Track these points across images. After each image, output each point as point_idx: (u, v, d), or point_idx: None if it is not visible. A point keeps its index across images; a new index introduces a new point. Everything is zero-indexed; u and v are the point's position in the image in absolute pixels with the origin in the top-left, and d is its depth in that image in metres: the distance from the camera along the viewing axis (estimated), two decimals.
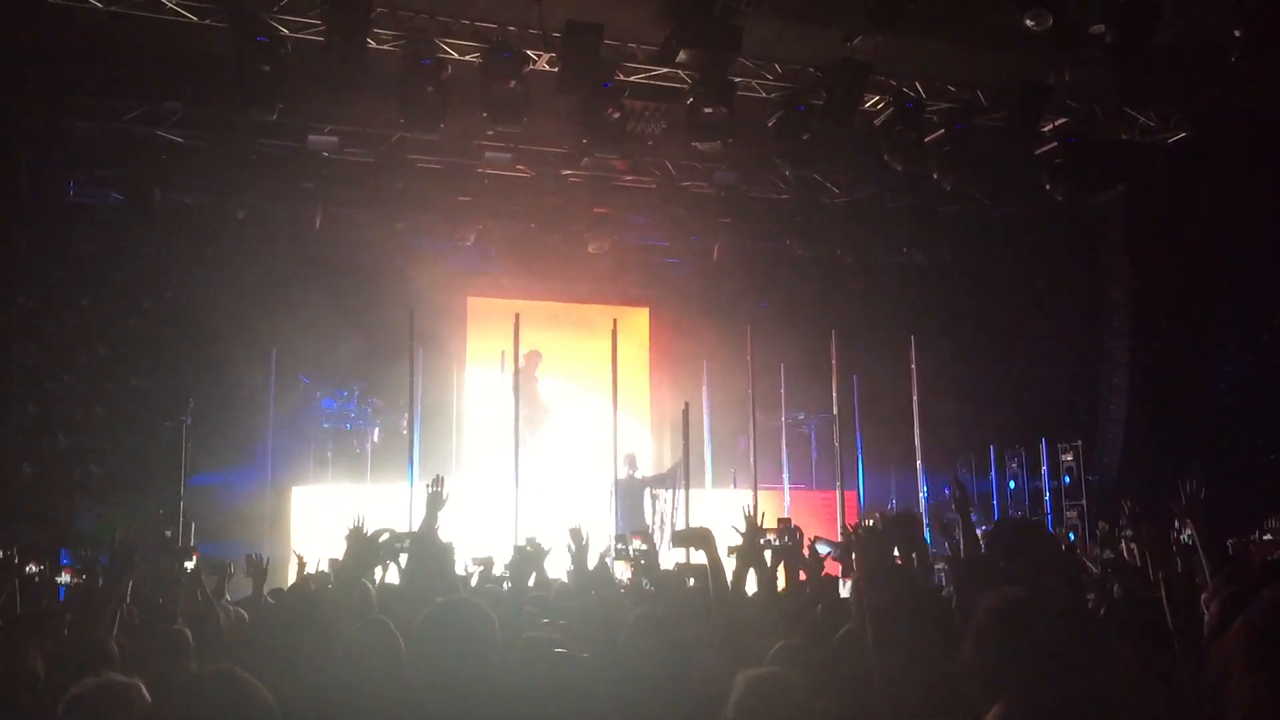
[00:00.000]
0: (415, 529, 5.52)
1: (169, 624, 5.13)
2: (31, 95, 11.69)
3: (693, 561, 7.29)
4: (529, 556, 6.45)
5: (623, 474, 13.21)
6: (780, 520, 5.64)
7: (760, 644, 4.03)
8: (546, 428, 14.75)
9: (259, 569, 7.16)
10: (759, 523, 5.14)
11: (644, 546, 8.24)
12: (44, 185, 12.94)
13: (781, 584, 5.65)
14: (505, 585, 7.67)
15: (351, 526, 4.90)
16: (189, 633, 4.79)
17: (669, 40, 10.97)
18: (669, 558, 9.06)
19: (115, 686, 2.98)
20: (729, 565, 4.99)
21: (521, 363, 13.72)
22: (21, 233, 12.95)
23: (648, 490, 13.35)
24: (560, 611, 5.59)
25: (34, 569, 7.36)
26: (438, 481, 5.44)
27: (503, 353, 13.71)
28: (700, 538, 4.90)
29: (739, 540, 5.09)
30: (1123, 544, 6.75)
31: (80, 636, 4.50)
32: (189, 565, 7.48)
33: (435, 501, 5.34)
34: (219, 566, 7.72)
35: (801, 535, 5.95)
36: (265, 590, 7.29)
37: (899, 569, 4.48)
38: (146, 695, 2.94)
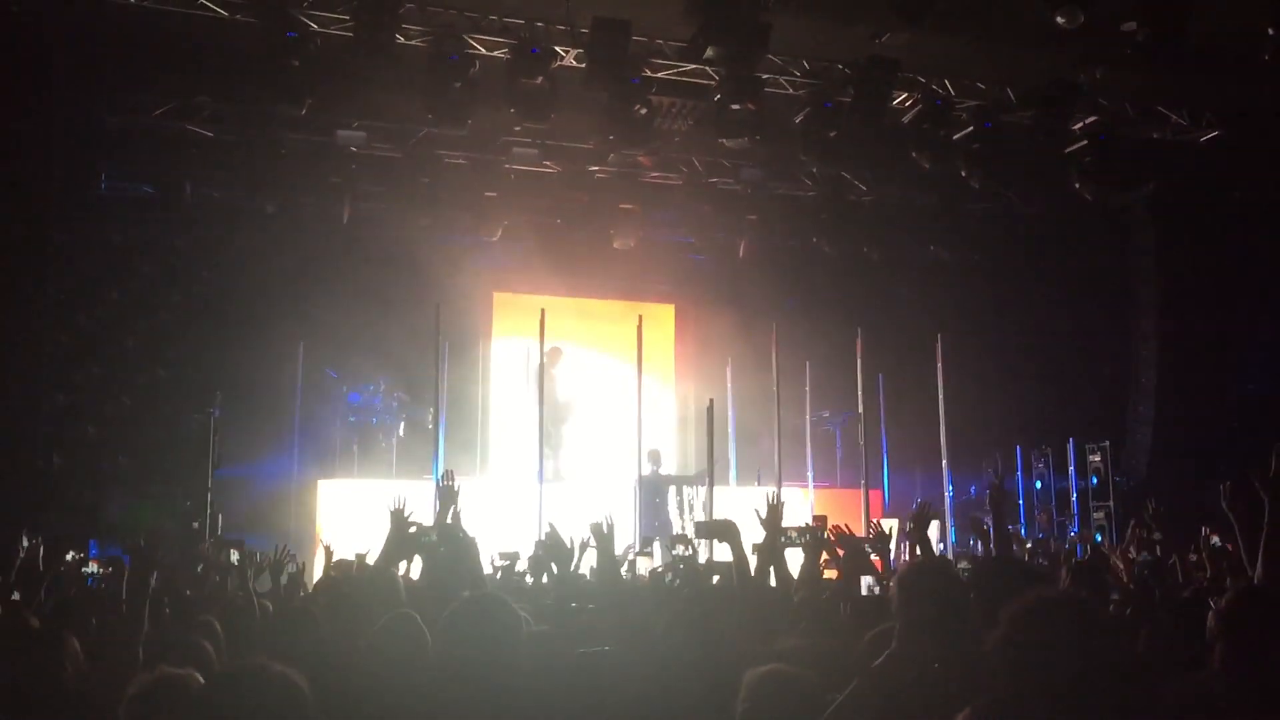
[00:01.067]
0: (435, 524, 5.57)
1: (197, 615, 5.17)
2: (65, 90, 11.80)
3: (716, 555, 7.26)
4: (550, 551, 6.48)
5: (646, 470, 13.22)
6: (816, 518, 5.63)
7: (776, 639, 4.03)
8: (569, 423, 14.73)
9: (278, 562, 7.26)
10: (779, 511, 5.13)
11: (686, 552, 8.24)
12: (76, 178, 13.07)
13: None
14: (528, 580, 7.72)
15: (393, 508, 4.96)
16: (217, 624, 4.82)
17: (697, 37, 10.95)
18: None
19: (173, 679, 3.00)
20: (752, 561, 4.99)
21: (543, 359, 13.78)
22: (53, 225, 13.07)
23: (673, 487, 13.36)
24: (584, 607, 5.60)
25: (72, 556, 7.45)
26: (449, 476, 5.51)
27: (527, 350, 13.76)
28: (724, 530, 4.90)
29: (761, 536, 5.09)
30: (1158, 548, 6.71)
31: (117, 629, 4.53)
32: (234, 557, 7.57)
33: (448, 496, 5.41)
34: (249, 557, 7.80)
35: (824, 532, 5.93)
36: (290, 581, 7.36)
37: (936, 559, 4.47)
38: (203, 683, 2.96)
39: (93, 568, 7.93)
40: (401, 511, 4.97)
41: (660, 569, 8.41)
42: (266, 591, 7.58)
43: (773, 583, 5.05)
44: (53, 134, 11.54)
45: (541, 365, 13.21)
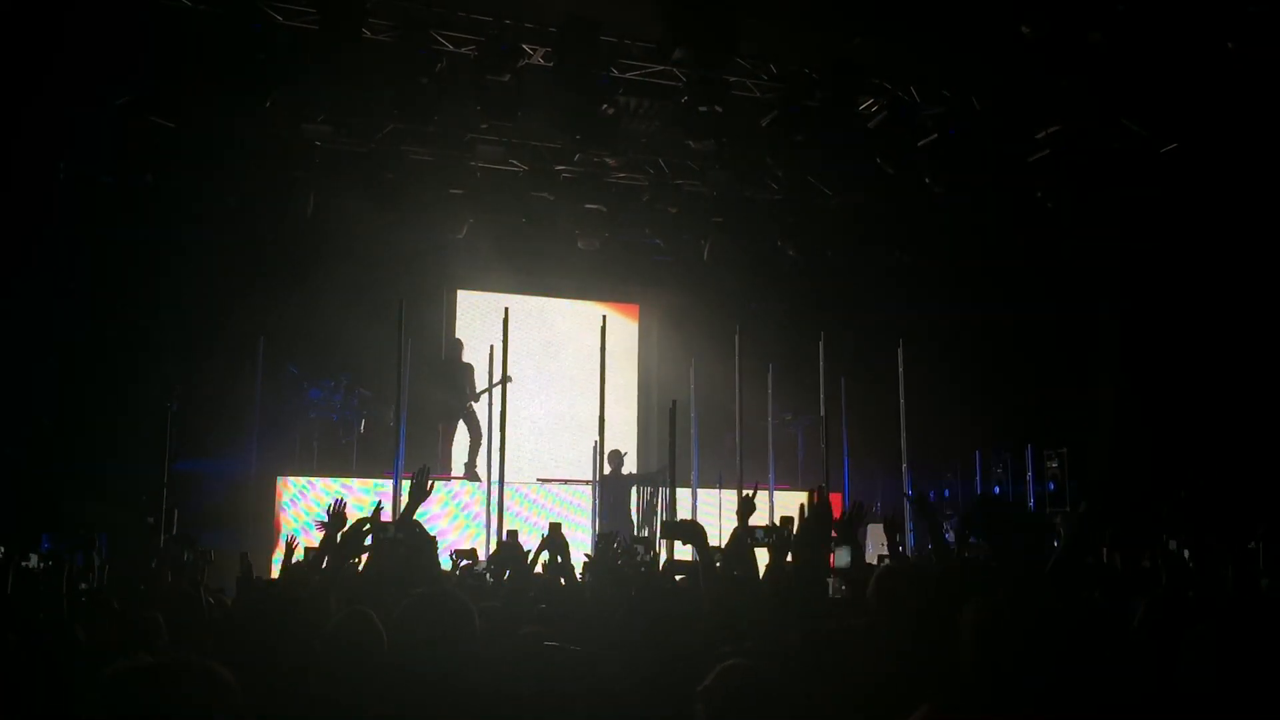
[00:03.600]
0: (397, 519, 5.53)
1: (144, 610, 5.10)
2: (22, 78, 11.62)
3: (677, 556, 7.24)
4: (512, 551, 6.45)
5: (608, 471, 13.21)
6: (783, 519, 5.63)
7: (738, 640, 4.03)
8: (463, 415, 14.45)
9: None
10: (746, 514, 5.14)
11: (647, 555, 8.21)
12: (33, 168, 12.86)
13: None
14: (488, 578, 7.68)
15: (331, 512, 4.91)
16: (161, 619, 4.76)
17: (665, 37, 10.95)
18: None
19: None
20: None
21: (444, 354, 14.19)
22: (8, 215, 12.87)
23: (634, 487, 13.35)
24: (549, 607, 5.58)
25: None
26: (422, 473, 5.44)
27: (491, 347, 13.73)
28: (689, 531, 4.90)
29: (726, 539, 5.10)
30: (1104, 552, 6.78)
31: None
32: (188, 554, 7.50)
33: (418, 493, 5.34)
34: (200, 554, 7.73)
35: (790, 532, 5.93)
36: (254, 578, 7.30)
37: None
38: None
39: (33, 561, 7.77)
40: (339, 514, 4.95)
41: (621, 562, 8.36)
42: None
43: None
44: (8, 123, 11.38)
45: (506, 364, 13.15)
